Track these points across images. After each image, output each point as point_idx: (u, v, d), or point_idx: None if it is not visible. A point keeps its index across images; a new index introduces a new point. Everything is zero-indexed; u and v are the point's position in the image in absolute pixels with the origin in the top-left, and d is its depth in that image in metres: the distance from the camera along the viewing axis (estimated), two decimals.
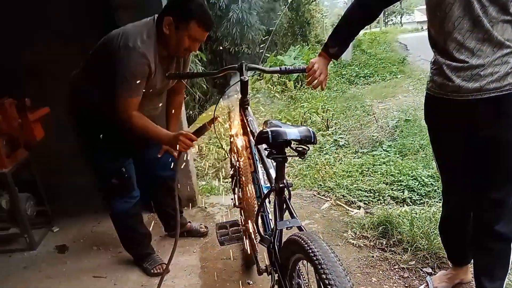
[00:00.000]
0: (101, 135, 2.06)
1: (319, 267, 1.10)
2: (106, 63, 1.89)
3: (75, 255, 2.67)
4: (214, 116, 1.92)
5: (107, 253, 2.60)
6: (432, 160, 3.76)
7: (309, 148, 1.41)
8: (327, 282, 1.05)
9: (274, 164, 1.48)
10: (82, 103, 2.10)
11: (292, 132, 1.37)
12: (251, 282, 2.29)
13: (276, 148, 1.42)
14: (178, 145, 1.92)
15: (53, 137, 2.77)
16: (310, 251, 1.15)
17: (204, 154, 4.47)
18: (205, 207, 3.14)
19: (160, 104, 2.24)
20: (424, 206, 3.00)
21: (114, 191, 2.23)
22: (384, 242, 2.54)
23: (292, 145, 1.40)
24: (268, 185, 1.87)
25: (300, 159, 4.19)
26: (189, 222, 2.78)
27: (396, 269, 2.34)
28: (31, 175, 2.86)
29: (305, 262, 1.34)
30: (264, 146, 1.48)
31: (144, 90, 1.93)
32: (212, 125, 1.95)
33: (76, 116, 2.15)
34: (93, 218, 3.02)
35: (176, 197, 2.04)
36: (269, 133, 1.37)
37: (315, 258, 1.12)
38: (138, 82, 1.86)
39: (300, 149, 1.40)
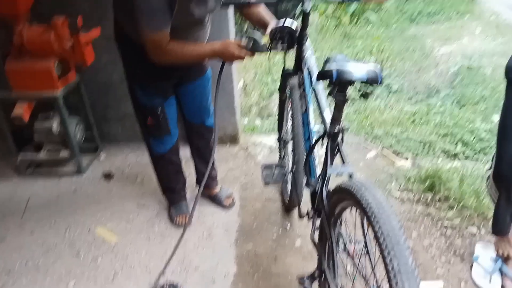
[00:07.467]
0: (138, 71, 1.91)
1: (373, 217, 1.05)
2: None
3: (120, 183, 2.78)
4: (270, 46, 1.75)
5: (151, 184, 2.67)
6: (493, 113, 3.51)
7: (373, 91, 1.30)
8: (380, 234, 1.01)
9: (331, 105, 1.40)
10: (121, 33, 1.88)
11: (359, 71, 1.25)
12: (288, 225, 2.30)
13: (338, 87, 1.32)
14: (229, 54, 1.73)
15: (103, 60, 2.73)
16: (364, 200, 1.10)
17: (248, 91, 4.38)
18: (247, 146, 3.12)
19: (206, 34, 1.94)
20: (477, 162, 2.84)
21: (149, 132, 2.11)
22: (429, 197, 2.45)
23: (355, 85, 1.30)
24: (316, 128, 1.80)
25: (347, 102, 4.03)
26: (222, 188, 2.52)
27: (439, 226, 2.27)
28: (81, 100, 2.89)
29: (352, 211, 1.31)
30: (324, 84, 1.38)
31: (177, 21, 1.65)
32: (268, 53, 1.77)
33: (118, 45, 1.95)
34: (139, 147, 3.06)
35: (213, 152, 1.95)
36: (334, 70, 1.26)
37: (368, 208, 1.08)
38: (158, 12, 1.57)
39: (364, 90, 1.29)
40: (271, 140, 3.11)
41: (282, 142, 2.37)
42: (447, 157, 2.94)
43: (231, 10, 2.65)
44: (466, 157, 2.93)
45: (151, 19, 1.58)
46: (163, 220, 2.40)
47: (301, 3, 1.72)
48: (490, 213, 2.22)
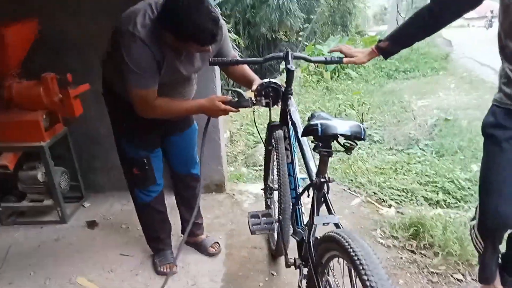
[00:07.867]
0: (125, 124, 1.99)
1: (360, 267, 1.06)
2: (116, 48, 1.67)
3: (104, 232, 2.74)
4: (254, 99, 1.84)
5: (135, 232, 2.64)
6: (471, 163, 3.62)
7: (357, 144, 1.36)
8: (368, 284, 1.02)
9: (316, 157, 1.44)
10: (109, 88, 1.97)
11: (342, 126, 1.32)
12: (275, 274, 2.27)
13: (323, 142, 1.37)
14: (215, 109, 1.82)
15: (91, 113, 2.79)
16: (351, 250, 1.11)
17: (234, 140, 4.46)
18: (233, 194, 3.14)
19: (192, 91, 2.04)
20: (459, 210, 2.89)
21: (135, 182, 2.14)
22: (414, 244, 2.47)
23: (339, 140, 1.36)
24: (303, 176, 1.83)
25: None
26: (207, 236, 2.52)
27: (425, 273, 2.27)
28: (67, 150, 2.92)
29: (339, 260, 1.31)
30: (309, 138, 1.43)
31: (165, 78, 1.74)
32: (253, 106, 1.86)
33: (106, 99, 2.03)
34: (124, 196, 3.04)
35: (198, 200, 2.01)
36: (319, 125, 1.32)
37: (356, 258, 1.09)
38: (147, 71, 1.66)
39: (348, 144, 1.35)
40: (257, 188, 3.13)
41: (268, 191, 2.40)
42: (429, 205, 2.99)
43: (217, 67, 2.77)
44: (448, 205, 2.98)
45: (140, 77, 1.66)
46: (147, 269, 2.35)
47: (285, 61, 1.83)
48: (475, 260, 2.24)
